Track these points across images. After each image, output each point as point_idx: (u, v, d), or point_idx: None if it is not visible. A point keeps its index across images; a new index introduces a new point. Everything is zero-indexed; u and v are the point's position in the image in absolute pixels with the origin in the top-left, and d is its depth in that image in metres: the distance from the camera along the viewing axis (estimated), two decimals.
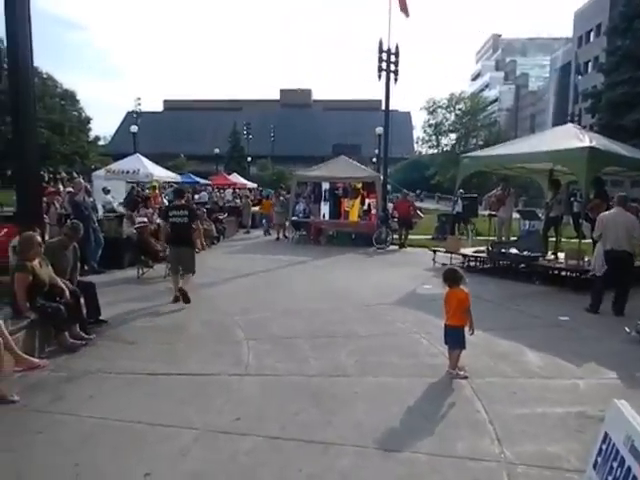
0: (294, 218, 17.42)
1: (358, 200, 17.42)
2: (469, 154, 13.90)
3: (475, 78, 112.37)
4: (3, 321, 4.61)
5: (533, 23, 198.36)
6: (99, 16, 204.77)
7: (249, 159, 56.19)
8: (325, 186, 18.94)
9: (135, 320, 6.67)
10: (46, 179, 16.24)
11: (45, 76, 51.34)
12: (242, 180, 34.82)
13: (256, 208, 23.25)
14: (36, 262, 5.51)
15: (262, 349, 5.66)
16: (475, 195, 17.98)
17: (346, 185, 18.19)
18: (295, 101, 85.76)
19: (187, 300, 7.51)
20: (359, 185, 17.76)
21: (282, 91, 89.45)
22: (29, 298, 5.36)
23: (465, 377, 4.86)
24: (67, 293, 5.71)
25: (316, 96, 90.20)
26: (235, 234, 18.73)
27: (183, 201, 8.61)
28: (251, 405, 4.26)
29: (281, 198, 18.17)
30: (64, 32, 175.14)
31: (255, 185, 36.73)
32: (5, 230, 7.50)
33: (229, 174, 36.70)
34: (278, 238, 17.46)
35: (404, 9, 16.45)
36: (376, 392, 4.58)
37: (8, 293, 5.51)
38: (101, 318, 6.35)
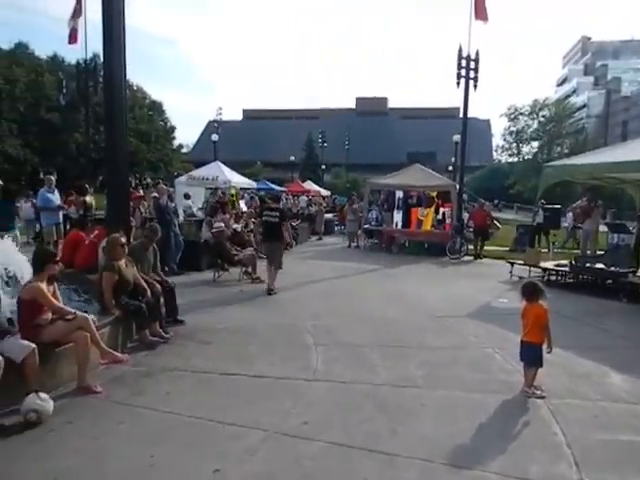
0: (366, 226, 17.40)
1: (432, 209, 17.12)
2: (553, 163, 13.26)
3: (561, 83, 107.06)
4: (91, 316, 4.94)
5: (626, 25, 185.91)
6: (186, 31, 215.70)
7: (323, 167, 56.83)
8: (399, 194, 18.78)
9: (210, 321, 6.92)
10: (133, 185, 17.23)
11: (135, 88, 54.69)
12: (316, 187, 35.29)
13: (329, 215, 23.46)
14: (122, 262, 5.87)
15: (331, 355, 5.69)
16: (558, 206, 17.09)
17: (420, 194, 17.93)
18: (371, 109, 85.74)
19: (271, 293, 8.86)
20: (434, 194, 17.45)
21: (358, 99, 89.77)
22: (115, 296, 5.72)
23: (542, 397, 4.62)
24: (149, 293, 6.04)
25: (392, 104, 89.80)
26: (308, 240, 18.98)
27: (276, 204, 10.31)
28: (318, 410, 4.29)
29: (354, 206, 18.21)
30: (154, 47, 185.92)
31: (329, 193, 37.08)
32: (96, 232, 8.03)
33: (303, 181, 37.32)
34: (350, 245, 17.50)
35: (482, 14, 16.03)
36: (445, 406, 4.47)
37: (96, 290, 5.91)
38: (178, 318, 6.66)
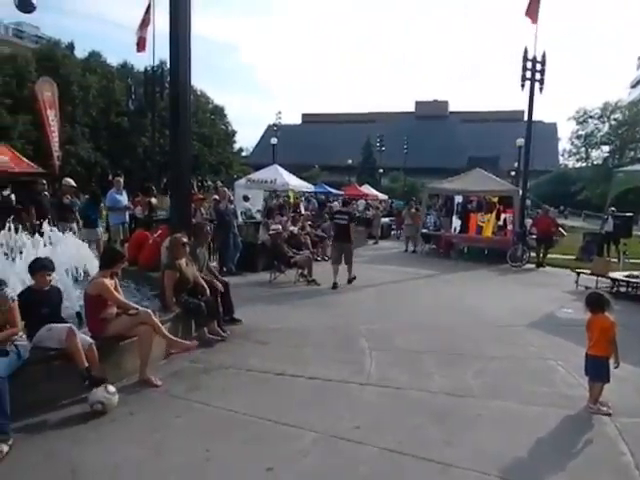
0: (424, 230, 17.14)
1: (493, 214, 16.63)
2: (625, 168, 12.60)
3: (635, 85, 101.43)
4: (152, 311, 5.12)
5: None
6: (248, 37, 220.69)
7: (381, 171, 56.49)
8: (458, 199, 18.38)
9: (265, 321, 7.03)
10: (195, 187, 17.77)
11: (199, 93, 56.45)
12: (373, 191, 35.09)
13: (386, 219, 23.27)
14: (183, 261, 6.07)
15: (385, 360, 5.65)
16: (630, 214, 16.17)
17: (480, 199, 17.47)
18: (431, 113, 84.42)
19: (351, 282, 10.03)
20: (495, 199, 16.95)
21: (417, 103, 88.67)
22: (175, 294, 5.92)
23: (608, 414, 4.38)
24: (208, 291, 6.22)
25: (453, 107, 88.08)
26: (364, 244, 18.90)
27: (346, 208, 11.60)
28: (371, 415, 4.27)
29: (412, 210, 17.99)
30: (218, 53, 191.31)
31: (386, 197, 36.79)
32: (159, 232, 8.35)
33: (360, 185, 37.22)
34: (406, 250, 17.29)
35: (533, 15, 15.49)
36: (503, 417, 4.33)
37: (158, 288, 6.14)
38: (235, 317, 6.80)
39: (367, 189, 34.81)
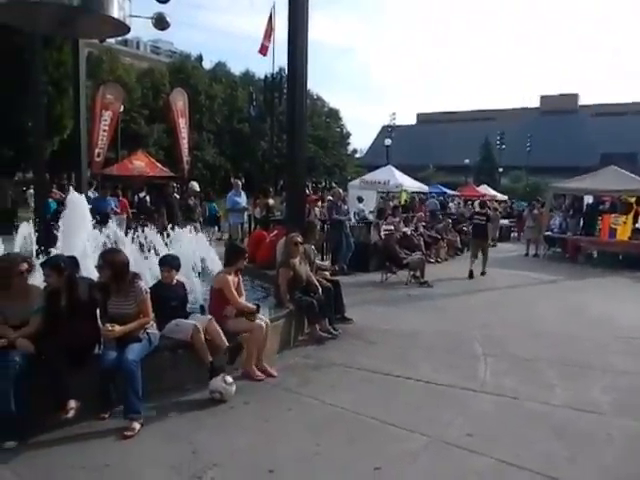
0: (548, 233, 16.02)
1: (630, 216, 15.07)
2: None
3: None
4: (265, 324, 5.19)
5: None
6: (361, 39, 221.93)
7: (500, 170, 53.81)
8: (587, 199, 16.93)
9: (376, 321, 7.02)
10: (310, 188, 18.29)
11: (315, 97, 57.95)
12: (491, 192, 33.57)
13: (505, 221, 22.13)
14: (297, 260, 6.28)
15: (500, 368, 5.37)
16: None
17: (615, 199, 15.93)
18: (557, 107, 78.66)
19: (483, 274, 11.26)
20: (632, 199, 15.36)
21: (542, 97, 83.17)
22: (289, 291, 6.13)
23: None
24: (320, 290, 6.36)
25: (584, 101, 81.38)
26: None
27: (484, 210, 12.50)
28: (484, 424, 4.08)
29: (535, 211, 16.90)
30: (333, 57, 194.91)
31: (505, 197, 34.99)
32: (275, 231, 8.71)
33: (478, 185, 35.80)
34: (527, 254, 16.28)
35: None
36: (635, 438, 3.91)
37: (274, 285, 6.41)
38: (346, 316, 6.88)
39: (485, 189, 33.38)
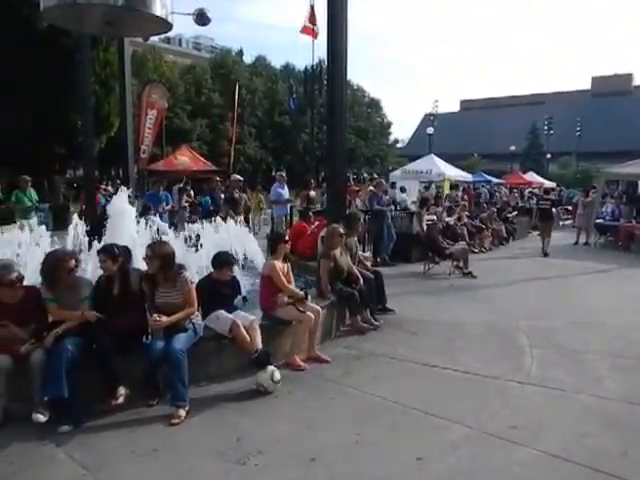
0: (599, 221, 15.41)
1: None
2: None
3: None
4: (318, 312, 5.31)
5: None
6: (401, 29, 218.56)
7: (548, 156, 52.06)
8: None
9: (417, 312, 6.96)
10: (350, 179, 18.23)
11: (356, 87, 57.58)
12: (539, 179, 32.58)
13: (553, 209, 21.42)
14: (337, 251, 6.29)
15: (548, 359, 5.23)
16: None
17: None
18: (610, 89, 75.13)
19: (546, 255, 12.71)
20: None
21: (594, 79, 79.65)
22: (330, 282, 6.16)
23: None
24: (361, 281, 6.36)
25: (639, 81, 77.39)
26: (527, 236, 17.63)
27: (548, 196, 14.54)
28: (530, 416, 4.00)
29: (587, 199, 16.25)
30: (373, 45, 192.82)
31: (554, 184, 33.87)
32: (317, 223, 8.74)
33: (524, 173, 34.80)
34: (577, 242, 15.71)
35: None
36: None
37: (315, 276, 6.44)
38: (387, 306, 6.85)
39: (531, 177, 32.44)
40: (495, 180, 30.25)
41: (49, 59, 19.44)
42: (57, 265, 4.11)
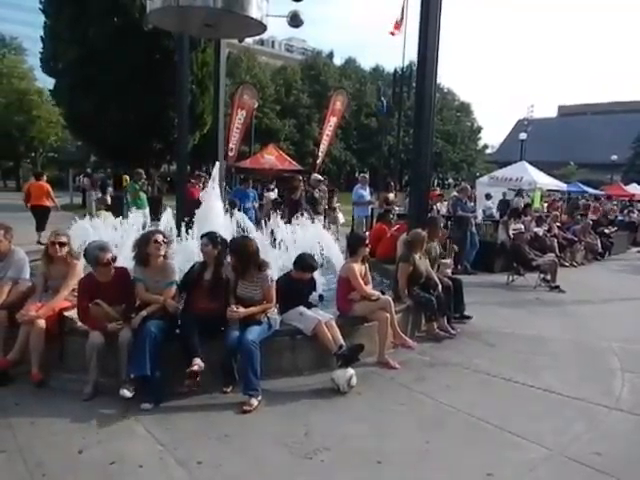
0: None
1: None
2: None
3: None
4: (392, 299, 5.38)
5: None
6: (501, 28, 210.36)
7: None
8: None
9: (496, 324, 6.67)
10: (435, 184, 17.89)
11: (446, 91, 56.37)
12: None
13: None
14: (417, 255, 6.19)
15: None
16: None
17: None
18: None
19: None
20: None
21: None
22: (408, 286, 6.07)
23: None
24: (440, 287, 6.21)
25: None
26: (626, 251, 16.38)
27: None
28: (617, 444, 3.71)
29: None
30: (465, 47, 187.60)
31: None
32: (397, 226, 8.65)
33: (626, 184, 32.37)
34: None
35: None
36: None
37: (392, 279, 6.38)
38: (465, 314, 6.64)
39: (635, 189, 30.08)
40: (592, 191, 28.39)
41: (153, 60, 20.81)
42: (147, 239, 4.48)
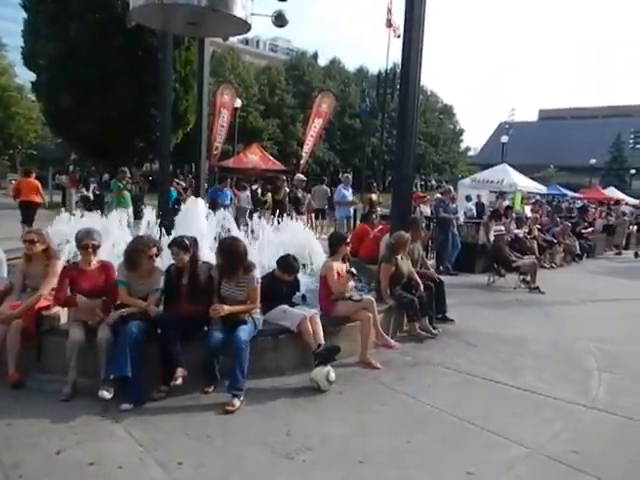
0: None
1: None
2: None
3: None
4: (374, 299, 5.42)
5: None
6: (480, 31, 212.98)
7: (632, 171, 49.05)
8: None
9: (478, 324, 6.74)
10: (418, 186, 18.04)
11: (429, 93, 56.80)
12: (620, 195, 30.76)
13: (634, 227, 20.16)
14: (399, 256, 6.22)
15: (618, 385, 4.92)
16: None
17: None
18: None
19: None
20: None
21: None
22: (390, 287, 6.10)
23: None
24: (422, 287, 6.25)
25: None
26: (603, 253, 16.68)
27: None
28: (594, 442, 3.77)
29: None
30: (449, 49, 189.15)
31: (637, 202, 31.87)
32: (380, 227, 8.69)
33: (604, 187, 32.99)
34: None
35: None
36: None
37: (374, 280, 6.41)
38: (447, 316, 6.70)
39: (612, 192, 30.68)
40: (570, 194, 28.87)
41: (136, 57, 20.58)
42: (141, 249, 4.40)
